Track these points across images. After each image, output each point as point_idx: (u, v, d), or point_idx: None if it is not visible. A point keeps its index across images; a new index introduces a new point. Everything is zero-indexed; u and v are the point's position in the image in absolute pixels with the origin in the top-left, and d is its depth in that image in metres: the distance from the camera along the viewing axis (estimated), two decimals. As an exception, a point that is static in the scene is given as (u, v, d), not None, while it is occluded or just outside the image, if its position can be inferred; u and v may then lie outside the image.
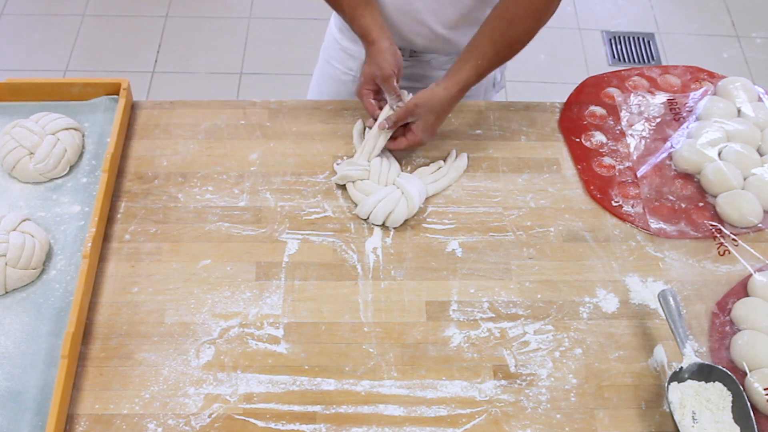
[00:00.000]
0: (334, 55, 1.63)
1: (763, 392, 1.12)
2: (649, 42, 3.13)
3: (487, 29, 1.34)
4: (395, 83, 1.34)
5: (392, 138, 1.37)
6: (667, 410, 1.12)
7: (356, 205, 1.33)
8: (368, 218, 1.31)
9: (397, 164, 1.37)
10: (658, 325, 1.22)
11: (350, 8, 1.36)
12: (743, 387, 1.12)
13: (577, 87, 1.55)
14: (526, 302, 1.24)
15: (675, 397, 1.11)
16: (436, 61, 1.54)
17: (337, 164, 1.38)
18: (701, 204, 1.37)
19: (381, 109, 1.37)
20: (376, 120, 1.36)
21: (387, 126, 1.35)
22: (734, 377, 1.12)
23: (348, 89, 1.62)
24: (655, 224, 1.34)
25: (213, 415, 1.11)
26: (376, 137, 1.36)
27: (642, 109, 1.50)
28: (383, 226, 1.31)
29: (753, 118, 1.45)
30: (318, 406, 1.12)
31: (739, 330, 1.20)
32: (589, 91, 1.54)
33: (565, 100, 1.52)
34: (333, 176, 1.37)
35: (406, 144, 1.36)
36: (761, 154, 1.41)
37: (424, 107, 1.33)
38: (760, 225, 1.33)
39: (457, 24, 1.44)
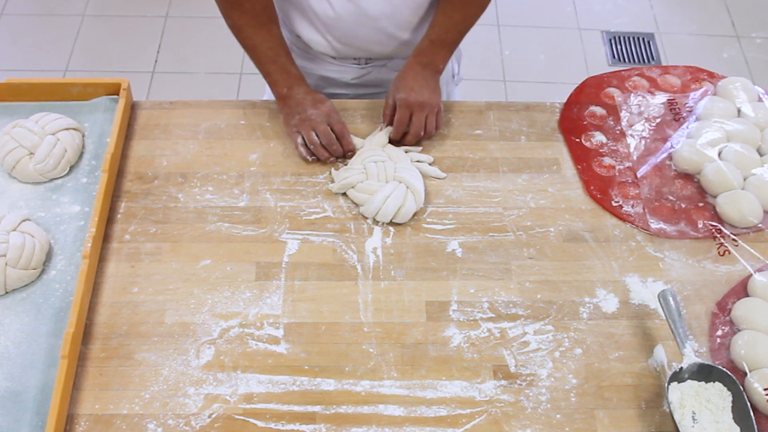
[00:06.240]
0: None
1: (763, 392, 1.12)
2: (649, 42, 3.13)
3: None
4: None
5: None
6: (667, 410, 1.12)
7: (356, 206, 1.33)
8: (375, 216, 1.31)
9: (391, 161, 1.36)
10: (658, 325, 1.22)
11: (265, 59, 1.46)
12: (743, 387, 1.12)
13: (577, 87, 1.55)
14: (526, 302, 1.24)
15: (675, 397, 1.11)
16: (392, 63, 1.54)
17: (335, 171, 1.38)
18: (701, 204, 1.37)
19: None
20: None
21: (385, 121, 1.40)
22: (734, 377, 1.12)
23: None
24: (655, 224, 1.34)
25: (213, 416, 1.11)
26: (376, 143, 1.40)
27: (642, 109, 1.50)
28: (383, 225, 1.31)
29: (753, 118, 1.45)
30: (318, 406, 1.12)
31: (739, 330, 1.20)
32: (589, 91, 1.54)
33: (565, 100, 1.52)
34: (331, 183, 1.36)
35: (418, 123, 1.39)
36: (761, 154, 1.41)
37: (397, 86, 1.38)
38: (760, 225, 1.33)
39: (415, 27, 1.44)
